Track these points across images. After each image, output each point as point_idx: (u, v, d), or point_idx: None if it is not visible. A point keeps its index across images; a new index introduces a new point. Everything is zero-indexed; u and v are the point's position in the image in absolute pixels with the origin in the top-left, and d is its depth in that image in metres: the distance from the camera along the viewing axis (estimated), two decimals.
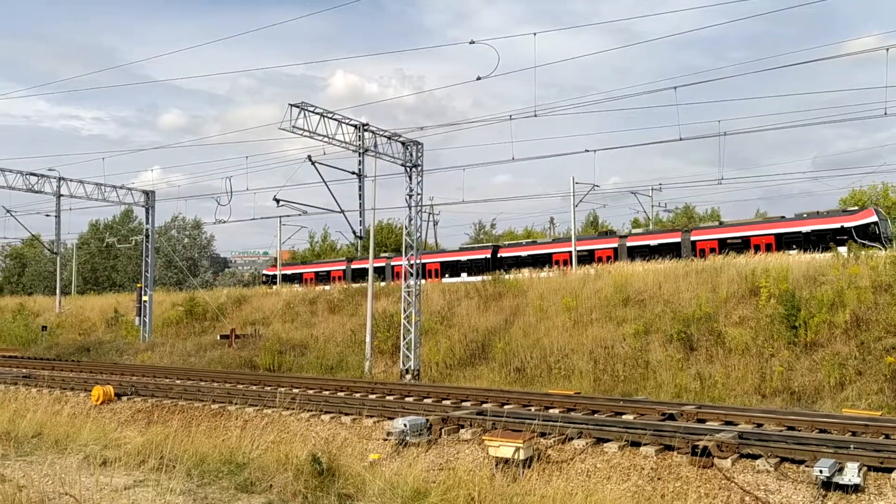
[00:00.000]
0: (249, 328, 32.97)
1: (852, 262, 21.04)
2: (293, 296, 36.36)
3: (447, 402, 15.99)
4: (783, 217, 35.48)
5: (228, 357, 29.61)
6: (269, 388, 18.89)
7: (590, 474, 10.24)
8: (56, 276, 49.24)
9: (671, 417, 13.27)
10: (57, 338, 41.59)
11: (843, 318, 18.35)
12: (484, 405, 15.28)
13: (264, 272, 60.11)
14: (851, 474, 8.55)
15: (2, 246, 77.11)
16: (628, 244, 38.30)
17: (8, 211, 39.33)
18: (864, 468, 8.80)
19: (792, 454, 9.51)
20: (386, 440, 12.25)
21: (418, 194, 23.66)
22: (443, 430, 12.22)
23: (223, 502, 9.28)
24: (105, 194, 35.06)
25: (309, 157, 22.16)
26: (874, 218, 31.75)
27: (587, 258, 38.11)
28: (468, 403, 15.70)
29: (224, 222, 31.12)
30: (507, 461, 10.48)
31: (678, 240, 36.38)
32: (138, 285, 38.00)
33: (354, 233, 23.16)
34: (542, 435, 11.19)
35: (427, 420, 12.37)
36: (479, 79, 22.53)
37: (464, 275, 41.76)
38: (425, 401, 16.46)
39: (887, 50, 18.62)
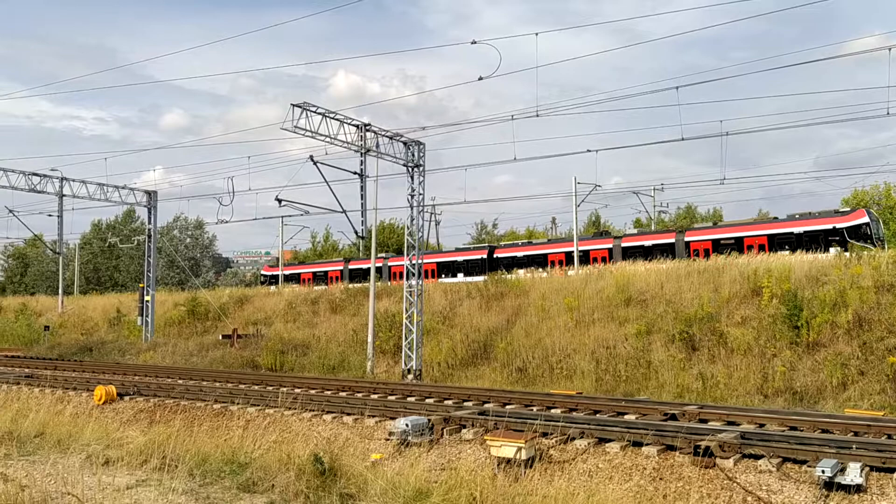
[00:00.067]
0: (251, 328, 33.00)
1: (854, 262, 20.99)
2: (295, 296, 36.37)
3: (449, 402, 15.99)
4: (776, 218, 35.83)
5: (230, 357, 29.64)
6: (271, 388, 18.88)
7: (592, 474, 10.25)
8: (58, 276, 49.36)
9: (673, 417, 13.28)
10: (59, 338, 41.67)
11: (846, 319, 18.32)
12: (486, 405, 15.29)
13: (262, 272, 60.21)
14: (853, 474, 8.55)
15: (4, 246, 77.26)
16: (623, 245, 38.37)
17: (11, 211, 39.31)
18: (867, 468, 8.80)
19: (794, 454, 9.52)
20: (388, 440, 12.26)
21: (420, 194, 23.68)
22: (445, 430, 12.24)
23: (225, 502, 9.28)
24: (107, 194, 35.17)
25: (311, 157, 22.18)
26: (866, 219, 31.96)
27: (583, 259, 38.21)
28: (470, 403, 15.72)
29: (226, 222, 31.16)
30: (509, 461, 10.49)
31: (672, 240, 36.44)
32: (140, 285, 38.06)
33: (356, 233, 23.16)
34: (544, 435, 11.20)
35: (429, 420, 12.38)
36: (480, 79, 22.55)
37: (460, 275, 41.82)
38: (427, 401, 16.47)
39: (889, 50, 18.67)
